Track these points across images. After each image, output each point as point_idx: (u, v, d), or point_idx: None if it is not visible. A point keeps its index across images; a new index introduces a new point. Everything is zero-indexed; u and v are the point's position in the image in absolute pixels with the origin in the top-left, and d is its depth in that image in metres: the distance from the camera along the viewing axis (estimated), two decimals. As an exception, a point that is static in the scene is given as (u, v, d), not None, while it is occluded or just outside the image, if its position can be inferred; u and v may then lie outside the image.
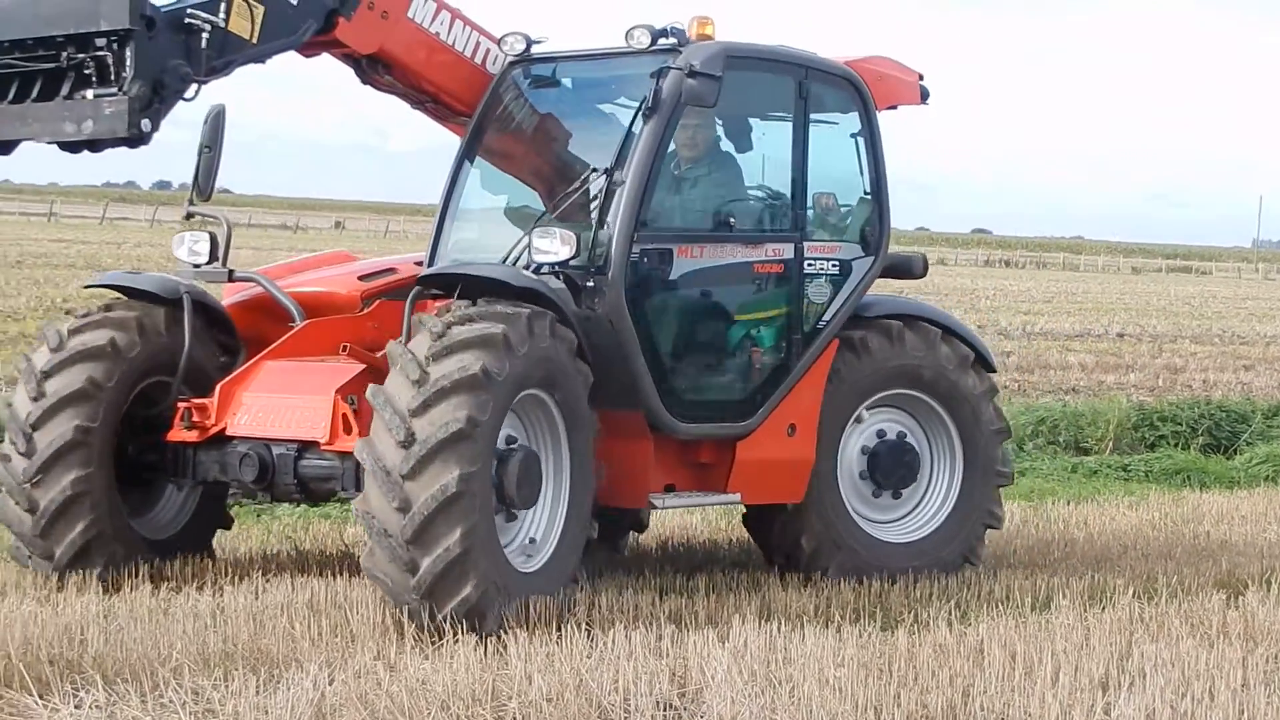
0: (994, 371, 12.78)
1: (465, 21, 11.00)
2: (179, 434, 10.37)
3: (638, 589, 10.89)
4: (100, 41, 9.42)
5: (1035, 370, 29.25)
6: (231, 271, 11.17)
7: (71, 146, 9.99)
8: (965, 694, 8.31)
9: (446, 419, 8.92)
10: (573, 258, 10.21)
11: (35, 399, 10.10)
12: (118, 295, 11.04)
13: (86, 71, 9.49)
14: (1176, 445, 20.81)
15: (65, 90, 9.58)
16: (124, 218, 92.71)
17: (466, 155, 11.57)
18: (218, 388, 10.41)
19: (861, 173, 11.85)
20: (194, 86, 9.82)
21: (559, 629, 9.36)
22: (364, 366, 10.20)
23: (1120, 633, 9.96)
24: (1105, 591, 11.36)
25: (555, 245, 10.11)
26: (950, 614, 10.52)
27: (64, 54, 9.51)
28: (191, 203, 10.99)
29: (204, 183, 10.60)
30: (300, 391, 10.26)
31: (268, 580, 10.78)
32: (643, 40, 10.80)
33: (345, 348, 10.40)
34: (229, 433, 10.24)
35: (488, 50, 11.27)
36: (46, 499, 10.02)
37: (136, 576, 10.75)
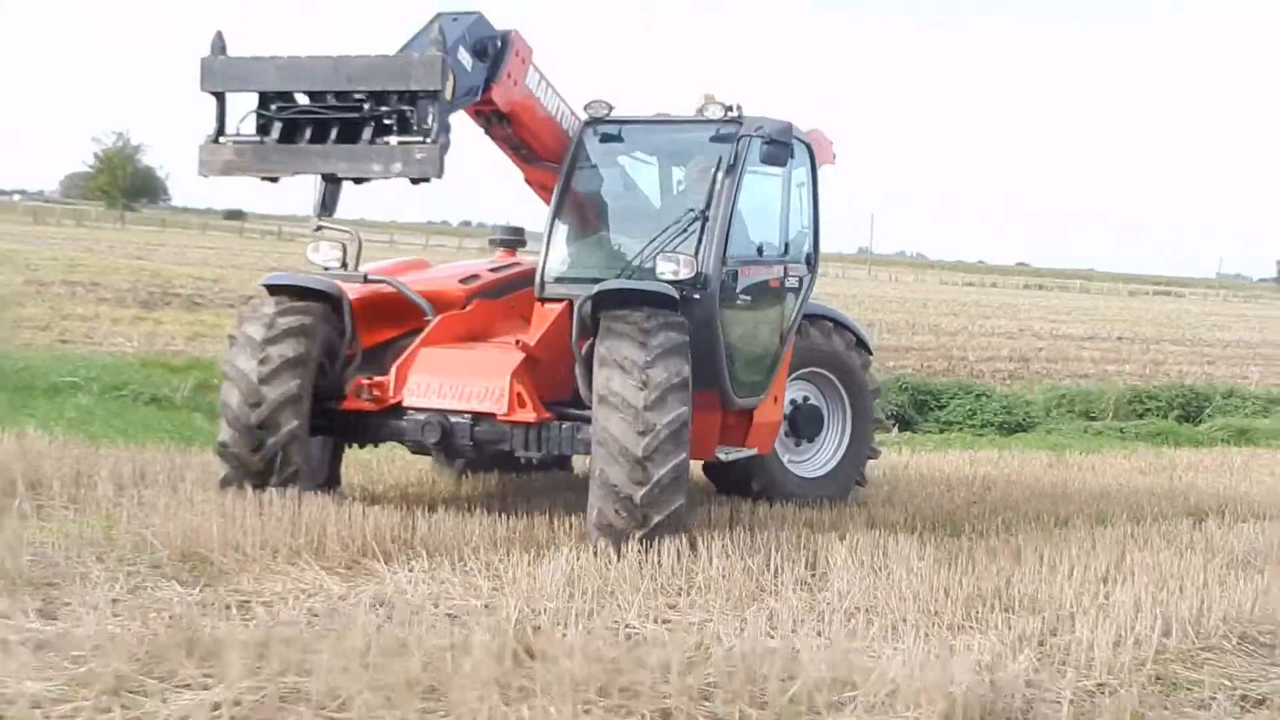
0: (870, 353, 12.43)
1: (552, 89, 10.40)
2: (357, 404, 9.75)
3: (781, 503, 11.05)
4: (394, 98, 8.71)
5: (1059, 361, 29.07)
6: (365, 275, 10.32)
7: (332, 178, 9.24)
8: (1008, 582, 8.52)
9: (673, 370, 8.76)
10: (692, 277, 9.63)
11: (260, 362, 9.33)
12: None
13: (387, 122, 8.71)
14: (1158, 415, 20.80)
15: (367, 136, 8.73)
16: (440, 245, 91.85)
17: (560, 199, 10.55)
18: (393, 369, 9.81)
19: (802, 212, 11.33)
20: None
21: (731, 530, 9.52)
22: (524, 355, 9.70)
23: (1117, 544, 10.09)
24: (1107, 516, 11.57)
25: (678, 267, 9.55)
26: (998, 527, 10.72)
27: (365, 106, 8.72)
28: (319, 219, 9.72)
29: (330, 204, 9.50)
30: (478, 374, 9.64)
31: (537, 491, 11.05)
32: (717, 113, 10.35)
33: (519, 341, 9.88)
34: (405, 404, 9.63)
35: (564, 111, 10.60)
36: (271, 441, 9.37)
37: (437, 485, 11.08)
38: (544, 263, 10.39)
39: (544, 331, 9.93)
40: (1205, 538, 10.70)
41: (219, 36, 8.52)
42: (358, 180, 9.21)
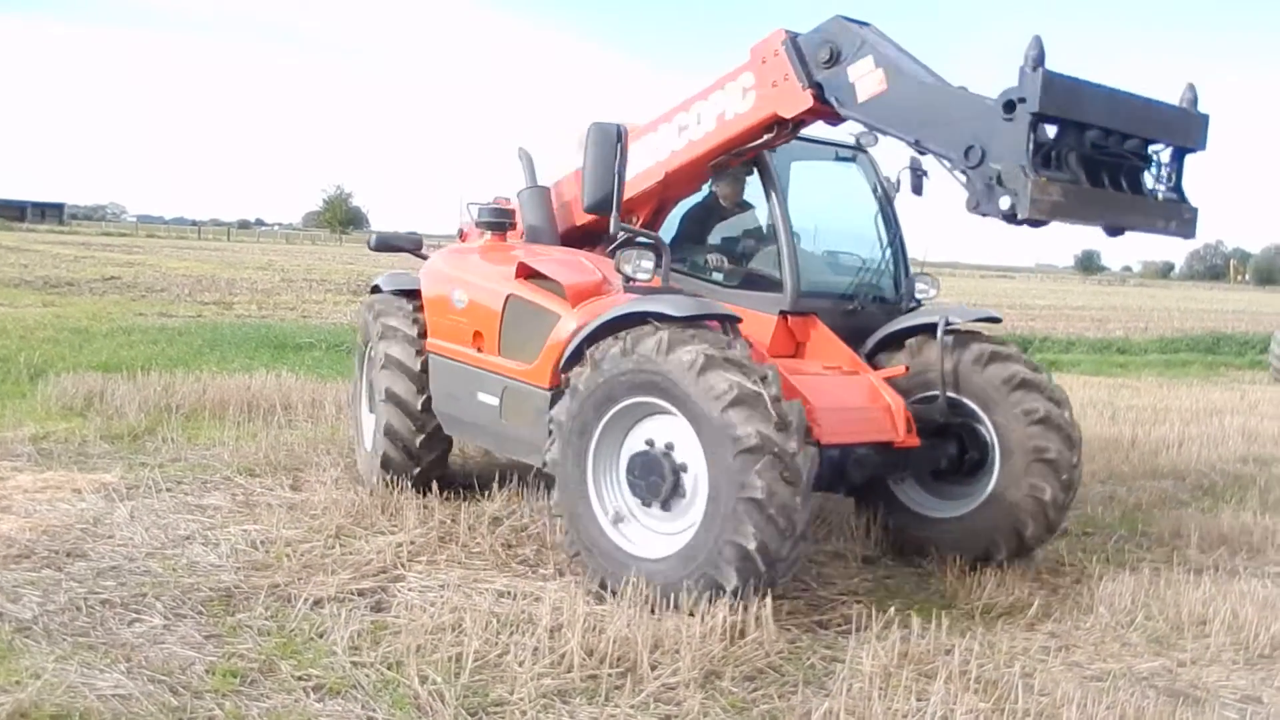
0: None
1: None
2: None
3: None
4: (1145, 146, 5.08)
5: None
6: (680, 289, 5.71)
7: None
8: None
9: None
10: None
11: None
12: None
13: (1142, 174, 5.11)
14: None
15: (1139, 186, 5.10)
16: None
17: (785, 213, 6.23)
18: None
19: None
20: None
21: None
22: (888, 377, 5.99)
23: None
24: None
25: (930, 286, 6.58)
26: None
27: (1141, 154, 5.06)
28: (620, 225, 5.66)
29: (618, 202, 5.62)
30: (867, 403, 5.76)
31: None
32: (869, 142, 6.57)
33: (904, 367, 6.07)
34: (824, 443, 5.19)
35: None
36: None
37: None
38: (792, 278, 6.04)
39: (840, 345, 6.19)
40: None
41: (1035, 43, 4.71)
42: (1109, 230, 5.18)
